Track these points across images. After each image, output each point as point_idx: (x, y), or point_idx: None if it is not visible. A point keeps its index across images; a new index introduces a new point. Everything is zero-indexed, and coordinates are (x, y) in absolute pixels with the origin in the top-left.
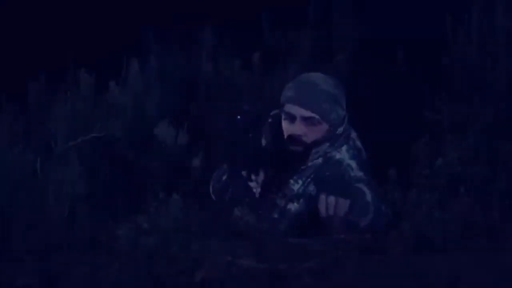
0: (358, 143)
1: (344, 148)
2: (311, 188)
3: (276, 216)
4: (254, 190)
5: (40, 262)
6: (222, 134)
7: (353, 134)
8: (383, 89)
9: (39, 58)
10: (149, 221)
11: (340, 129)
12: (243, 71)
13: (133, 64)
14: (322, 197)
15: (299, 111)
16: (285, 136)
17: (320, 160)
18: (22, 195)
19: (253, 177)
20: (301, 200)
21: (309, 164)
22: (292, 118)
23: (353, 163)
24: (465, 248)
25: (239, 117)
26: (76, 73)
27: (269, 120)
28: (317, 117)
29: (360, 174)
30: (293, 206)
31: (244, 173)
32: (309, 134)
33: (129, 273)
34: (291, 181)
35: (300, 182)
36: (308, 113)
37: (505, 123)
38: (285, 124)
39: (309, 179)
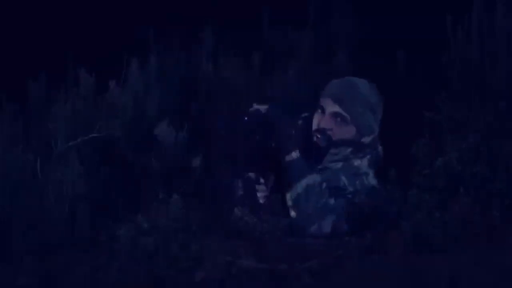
0: (381, 152)
1: (367, 157)
2: (323, 189)
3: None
4: (261, 193)
5: (40, 262)
6: (224, 135)
7: (379, 148)
8: (383, 89)
9: (39, 58)
10: (149, 221)
11: (367, 139)
12: (243, 71)
13: (133, 64)
14: None
15: (331, 105)
16: (313, 129)
17: (339, 164)
18: (22, 195)
19: (261, 180)
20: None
21: (327, 165)
22: (323, 111)
23: (370, 172)
24: (465, 248)
25: (246, 118)
26: (76, 73)
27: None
28: (345, 115)
29: (374, 182)
30: None
31: (252, 175)
32: (335, 131)
33: (129, 273)
34: (310, 179)
35: (317, 182)
36: (337, 108)
37: (505, 123)
38: (316, 117)
39: (324, 182)
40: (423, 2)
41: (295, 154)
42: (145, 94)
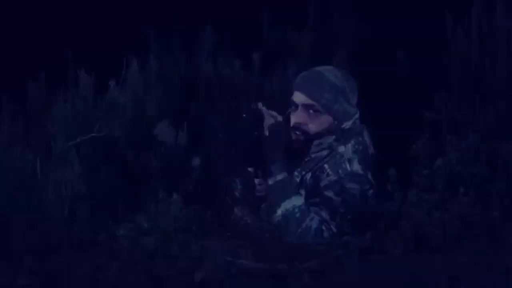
0: (367, 139)
1: (351, 143)
2: (309, 179)
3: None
4: (260, 185)
5: (40, 262)
6: (223, 134)
7: (365, 132)
8: (383, 89)
9: (39, 58)
10: (149, 221)
11: (347, 124)
12: (243, 71)
13: (133, 64)
14: None
15: (301, 99)
16: (291, 126)
17: (325, 152)
18: (22, 195)
19: (259, 173)
20: (302, 192)
21: (313, 156)
22: (295, 106)
23: (354, 158)
24: (465, 248)
25: (244, 115)
26: (76, 73)
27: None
28: (317, 105)
29: (357, 167)
30: None
31: (251, 169)
32: (311, 124)
33: (129, 273)
34: (296, 173)
35: (304, 173)
36: (308, 101)
37: (505, 123)
38: (291, 114)
39: (309, 171)
40: (423, 2)
41: (279, 176)
42: (145, 94)
